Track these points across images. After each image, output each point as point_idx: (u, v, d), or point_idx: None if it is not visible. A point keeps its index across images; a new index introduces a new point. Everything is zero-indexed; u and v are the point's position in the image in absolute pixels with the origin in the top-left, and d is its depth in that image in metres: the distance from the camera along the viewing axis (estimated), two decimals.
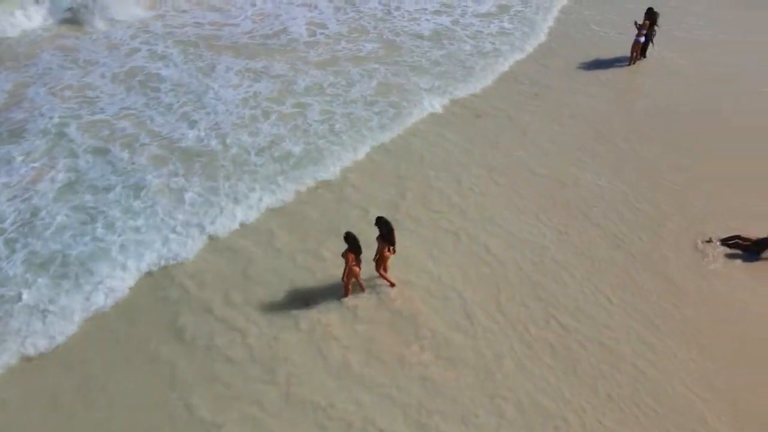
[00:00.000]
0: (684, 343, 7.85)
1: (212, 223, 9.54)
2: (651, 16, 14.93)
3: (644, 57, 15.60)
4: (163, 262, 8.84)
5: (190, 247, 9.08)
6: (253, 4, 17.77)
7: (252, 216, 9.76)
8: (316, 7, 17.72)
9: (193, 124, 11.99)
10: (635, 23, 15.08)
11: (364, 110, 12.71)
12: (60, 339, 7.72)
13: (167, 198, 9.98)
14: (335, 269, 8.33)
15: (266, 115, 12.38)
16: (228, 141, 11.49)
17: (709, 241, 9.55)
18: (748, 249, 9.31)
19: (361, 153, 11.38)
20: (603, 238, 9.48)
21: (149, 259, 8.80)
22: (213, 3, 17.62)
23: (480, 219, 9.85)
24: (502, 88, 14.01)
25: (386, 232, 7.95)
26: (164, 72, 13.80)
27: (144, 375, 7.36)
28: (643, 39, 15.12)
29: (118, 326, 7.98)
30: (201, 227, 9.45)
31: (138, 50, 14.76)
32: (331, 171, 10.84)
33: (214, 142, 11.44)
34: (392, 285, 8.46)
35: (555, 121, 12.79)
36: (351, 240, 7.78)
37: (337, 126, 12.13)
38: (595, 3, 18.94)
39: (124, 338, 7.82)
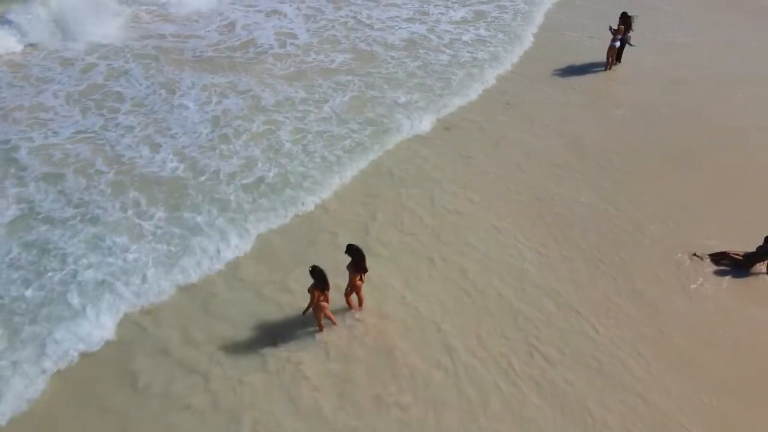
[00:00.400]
0: (675, 374, 7.50)
1: (176, 258, 8.82)
2: (626, 20, 14.82)
3: (619, 62, 15.50)
4: (125, 308, 8.08)
5: (151, 286, 8.39)
6: (220, 13, 17.12)
7: (216, 247, 9.10)
8: (285, 16, 17.14)
9: (156, 147, 11.24)
10: (610, 28, 14.94)
11: (338, 127, 12.15)
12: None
13: (126, 232, 9.22)
14: (305, 301, 7.80)
15: (237, 134, 11.71)
16: (195, 166, 10.76)
17: (696, 255, 9.26)
18: (737, 263, 9.04)
19: (339, 180, 10.67)
20: (584, 261, 9.14)
21: (109, 301, 8.08)
22: (176, 13, 16.89)
23: (455, 241, 9.42)
24: (473, 98, 13.60)
25: (358, 260, 7.50)
26: (124, 90, 13.05)
27: (92, 428, 6.71)
28: (618, 44, 15.03)
29: (64, 374, 7.28)
30: (165, 264, 8.72)
31: (95, 66, 13.95)
32: (307, 201, 10.12)
33: (179, 168, 10.70)
34: (356, 305, 8.11)
35: (530, 132, 12.44)
36: (317, 275, 7.28)
37: (311, 147, 11.50)
38: (568, 8, 18.77)
39: (70, 387, 7.12)
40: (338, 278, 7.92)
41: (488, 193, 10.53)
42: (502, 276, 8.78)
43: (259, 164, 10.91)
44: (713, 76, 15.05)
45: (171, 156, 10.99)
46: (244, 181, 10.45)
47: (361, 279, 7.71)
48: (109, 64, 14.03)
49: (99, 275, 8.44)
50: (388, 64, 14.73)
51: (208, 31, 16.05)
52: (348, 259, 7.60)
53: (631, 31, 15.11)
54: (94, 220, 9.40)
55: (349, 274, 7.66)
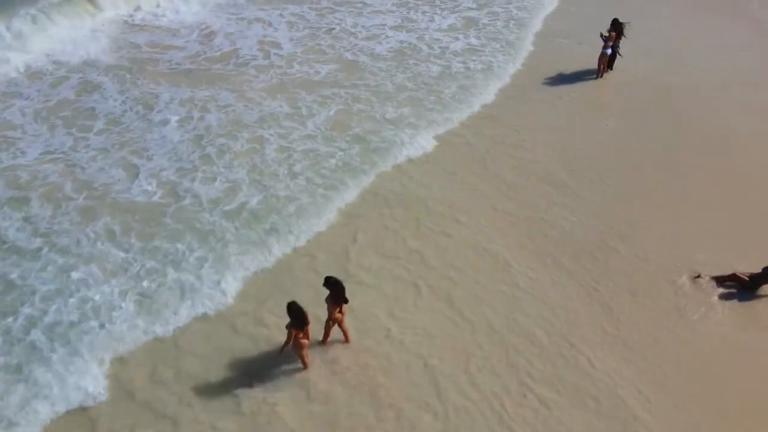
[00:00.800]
0: (679, 413, 7.04)
1: (150, 296, 8.21)
2: (617, 27, 14.50)
3: (611, 69, 15.19)
4: (101, 355, 7.41)
5: (125, 328, 7.78)
6: (200, 22, 16.55)
7: (192, 284, 8.43)
8: (269, 24, 16.62)
9: (131, 170, 10.57)
10: (601, 35, 14.61)
11: (325, 146, 11.55)
12: None
13: (98, 265, 8.58)
14: (282, 335, 7.29)
15: (219, 154, 11.04)
16: (174, 191, 10.07)
17: (699, 277, 8.83)
18: (743, 285, 8.62)
19: (327, 212, 9.85)
20: (577, 287, 8.67)
21: (80, 348, 7.44)
22: (154, 21, 16.29)
23: (442, 265, 8.94)
24: (465, 111, 13.07)
25: (337, 293, 7.08)
26: (97, 106, 12.45)
27: None
28: (609, 51, 14.70)
29: None
30: (138, 303, 8.10)
31: (65, 79, 13.32)
32: (294, 234, 9.38)
33: (156, 194, 10.03)
34: (330, 339, 7.61)
35: (518, 146, 11.98)
36: (294, 313, 6.80)
37: (297, 167, 10.83)
38: (560, 15, 18.36)
39: None
40: (319, 307, 7.40)
41: (476, 213, 10.06)
42: (491, 304, 8.33)
43: (244, 188, 10.23)
44: (708, 81, 14.73)
45: (148, 180, 10.34)
46: (226, 208, 9.77)
47: (341, 311, 7.28)
48: (81, 78, 13.43)
49: (69, 316, 7.80)
50: (375, 75, 14.23)
51: (188, 41, 15.50)
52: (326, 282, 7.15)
53: (622, 38, 14.81)
54: (64, 251, 8.79)
55: (328, 306, 7.22)
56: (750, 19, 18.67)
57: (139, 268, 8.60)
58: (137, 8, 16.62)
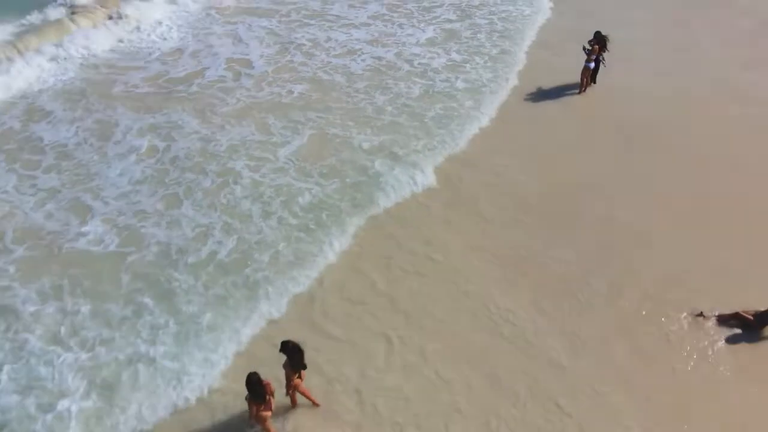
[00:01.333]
0: None
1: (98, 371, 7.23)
2: (600, 39, 14.07)
3: (594, 83, 14.76)
4: None
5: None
6: (163, 38, 15.44)
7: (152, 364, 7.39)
8: (239, 40, 15.58)
9: (83, 214, 9.50)
10: (584, 48, 14.16)
11: (299, 180, 10.59)
12: None
13: (39, 334, 7.56)
14: (243, 404, 6.56)
15: (187, 193, 10.00)
16: (134, 239, 9.00)
17: (701, 315, 8.33)
18: (748, 325, 8.15)
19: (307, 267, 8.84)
20: (561, 336, 8.01)
21: None
22: (111, 39, 15.07)
23: (415, 311, 8.22)
24: (450, 137, 12.32)
25: (294, 360, 6.51)
26: (45, 136, 11.30)
27: None
28: (593, 65, 14.24)
29: None
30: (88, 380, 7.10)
31: (11, 107, 12.10)
32: (270, 299, 8.27)
33: (113, 243, 8.97)
34: (298, 401, 6.97)
35: (499, 175, 11.17)
36: (252, 386, 6.20)
37: (271, 206, 9.84)
38: (544, 28, 17.73)
39: None
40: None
41: (453, 248, 9.32)
42: (469, 360, 7.63)
43: (215, 233, 9.19)
44: (698, 93, 14.27)
45: (103, 226, 9.28)
46: (192, 260, 8.71)
47: (300, 377, 6.68)
48: (28, 103, 12.20)
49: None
50: (350, 97, 13.34)
51: (148, 60, 14.39)
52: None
53: (605, 51, 14.40)
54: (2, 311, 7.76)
55: (286, 373, 6.60)
56: (741, 29, 18.36)
57: (87, 341, 7.48)
58: (94, 24, 15.39)
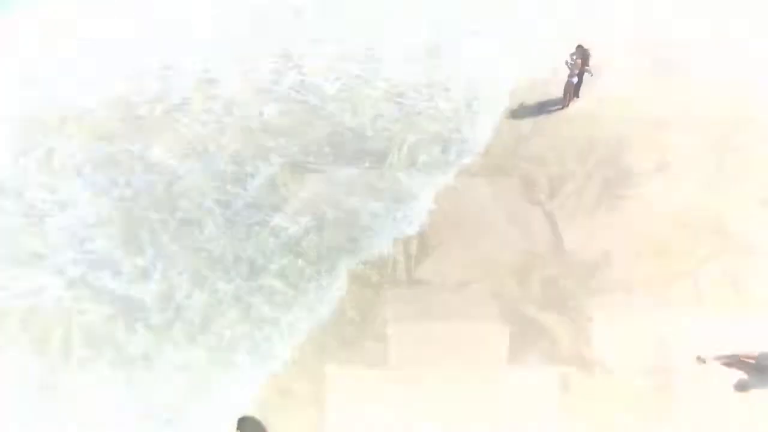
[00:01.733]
0: None
1: None
2: (582, 53, 13.61)
3: (578, 97, 14.38)
4: None
5: None
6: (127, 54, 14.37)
7: None
8: (207, 60, 14.49)
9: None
10: (566, 62, 13.75)
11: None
12: None
13: None
14: None
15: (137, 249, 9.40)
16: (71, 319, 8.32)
17: (698, 358, 8.00)
18: (752, 368, 7.78)
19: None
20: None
21: None
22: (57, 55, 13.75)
23: None
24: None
25: None
26: None
27: None
28: (576, 79, 13.82)
29: None
30: None
31: None
32: None
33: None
34: None
35: (480, 237, 10.37)
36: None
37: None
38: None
39: None
40: None
41: None
42: None
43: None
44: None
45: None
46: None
47: None
48: None
49: None
50: (325, 120, 12.49)
51: (105, 82, 13.31)
52: None
53: (588, 66, 14.00)
54: None
55: None
56: None
57: None
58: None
